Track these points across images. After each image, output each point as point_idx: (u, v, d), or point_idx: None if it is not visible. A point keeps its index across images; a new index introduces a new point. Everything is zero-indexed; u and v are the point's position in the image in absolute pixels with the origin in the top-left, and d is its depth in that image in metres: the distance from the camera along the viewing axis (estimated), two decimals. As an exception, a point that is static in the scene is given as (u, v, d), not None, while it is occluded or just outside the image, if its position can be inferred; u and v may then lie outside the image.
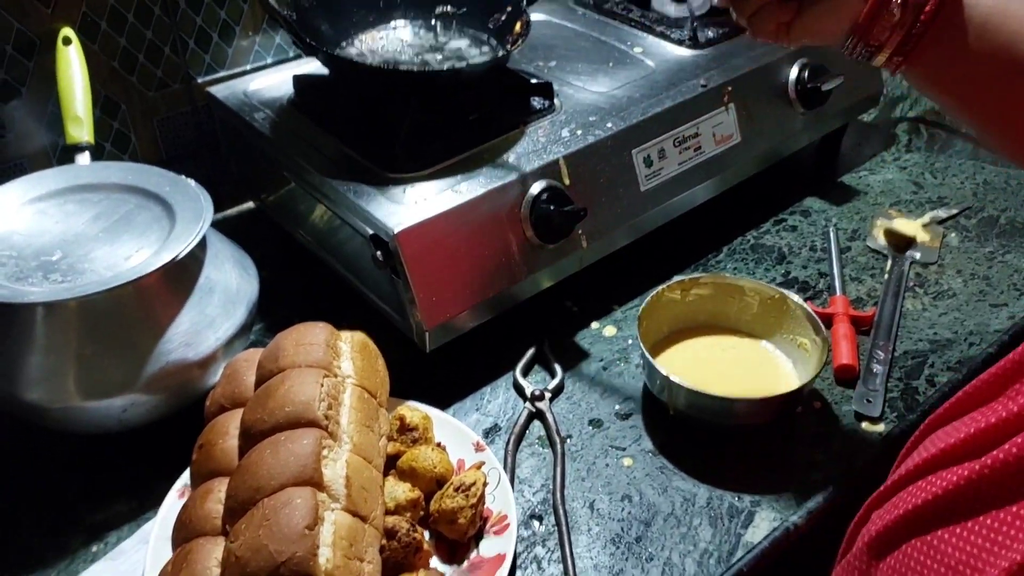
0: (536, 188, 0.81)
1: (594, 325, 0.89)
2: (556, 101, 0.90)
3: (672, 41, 1.02)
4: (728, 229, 1.01)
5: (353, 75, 0.85)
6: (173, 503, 0.67)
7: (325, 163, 0.83)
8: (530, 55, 0.99)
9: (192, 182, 0.77)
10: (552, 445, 0.75)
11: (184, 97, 0.94)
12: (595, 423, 0.78)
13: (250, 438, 0.62)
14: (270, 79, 0.96)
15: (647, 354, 0.75)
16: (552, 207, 0.80)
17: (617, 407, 0.79)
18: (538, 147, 0.84)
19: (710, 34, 1.02)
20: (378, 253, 0.75)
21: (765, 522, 0.69)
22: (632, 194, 0.89)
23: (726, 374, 0.80)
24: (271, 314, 0.88)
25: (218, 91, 0.93)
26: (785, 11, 0.63)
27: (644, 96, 0.92)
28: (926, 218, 1.02)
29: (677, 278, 0.87)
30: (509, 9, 0.91)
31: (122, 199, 0.75)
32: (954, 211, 1.03)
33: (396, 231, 0.73)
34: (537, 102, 0.90)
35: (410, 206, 0.76)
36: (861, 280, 0.94)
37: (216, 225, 0.77)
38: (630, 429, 0.77)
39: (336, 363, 0.66)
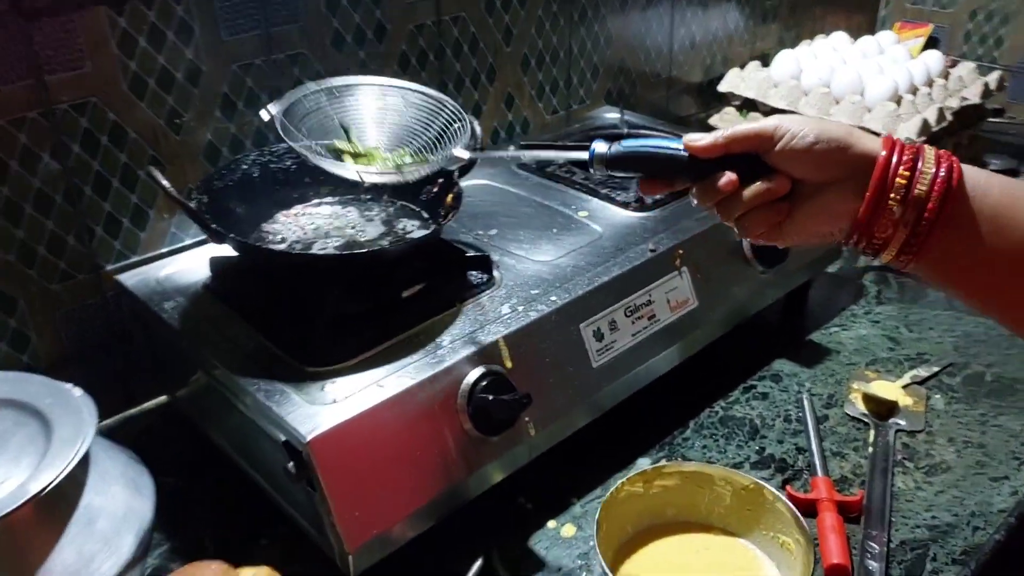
0: (473, 375, 0.72)
1: (550, 524, 0.78)
2: (496, 273, 0.83)
3: (617, 204, 0.97)
4: (694, 400, 0.93)
5: (264, 261, 0.78)
6: None
7: (238, 357, 0.74)
8: (469, 224, 0.93)
9: (77, 391, 0.67)
10: None
11: (91, 288, 0.86)
12: (552, 654, 0.66)
13: None
14: (187, 262, 0.88)
15: (608, 572, 0.64)
16: (491, 396, 0.71)
17: (578, 631, 0.68)
18: (475, 327, 0.76)
19: (657, 196, 0.97)
20: (290, 464, 0.65)
21: None
22: (583, 372, 0.81)
23: (699, 581, 0.69)
24: (178, 532, 0.77)
25: (128, 279, 0.85)
26: (776, 211, 0.59)
27: (590, 264, 0.86)
28: (906, 378, 0.94)
29: (638, 468, 0.78)
30: (441, 181, 0.85)
31: (-7, 416, 0.65)
32: (935, 369, 0.96)
33: (308, 438, 0.64)
34: (475, 276, 0.83)
35: (327, 407, 0.67)
36: (843, 455, 0.85)
37: (124, 425, 0.68)
38: (594, 659, 0.65)
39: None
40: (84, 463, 0.64)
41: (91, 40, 0.78)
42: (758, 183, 0.59)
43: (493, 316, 0.78)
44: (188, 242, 0.93)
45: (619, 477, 0.82)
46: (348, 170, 0.72)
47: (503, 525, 0.78)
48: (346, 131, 0.75)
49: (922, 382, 0.94)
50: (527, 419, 0.76)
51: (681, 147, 0.61)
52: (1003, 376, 0.95)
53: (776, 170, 0.59)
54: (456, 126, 0.74)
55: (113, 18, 0.79)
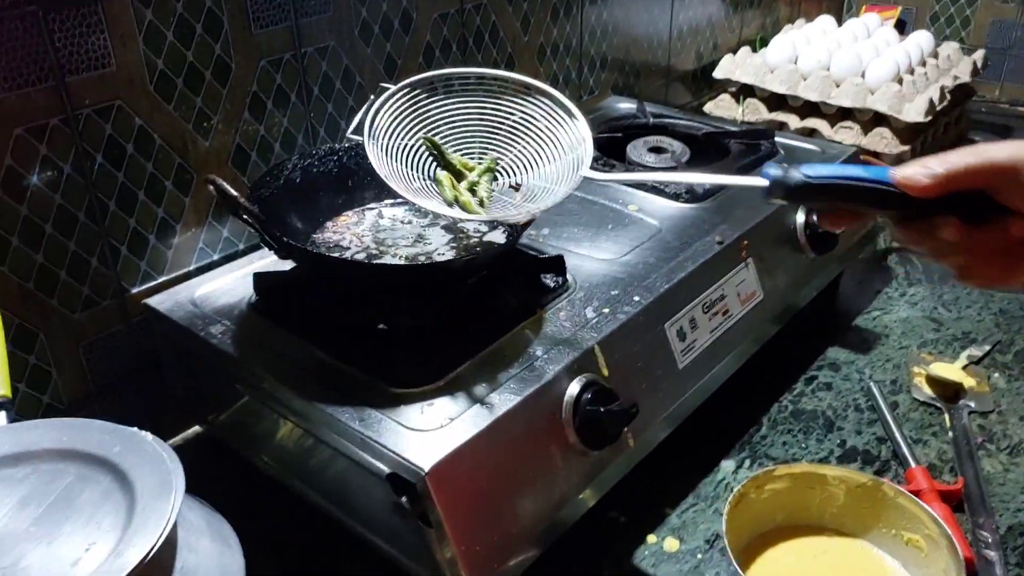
0: (575, 387, 0.67)
1: (651, 539, 0.73)
2: (568, 276, 0.78)
3: (667, 196, 0.93)
4: (760, 397, 0.90)
5: (337, 274, 0.70)
6: None
7: (307, 381, 0.66)
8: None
9: (149, 436, 0.59)
10: None
11: (116, 314, 0.77)
12: None
13: None
14: (220, 281, 0.80)
15: (752, 585, 0.60)
16: (601, 408, 0.66)
17: (713, 652, 0.64)
18: (565, 335, 0.71)
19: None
20: (403, 499, 0.59)
21: None
22: (671, 375, 0.76)
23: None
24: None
25: (160, 303, 0.76)
26: (1011, 256, 0.50)
27: (660, 260, 0.81)
28: (963, 359, 0.94)
29: (724, 471, 0.74)
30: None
31: (57, 470, 0.56)
32: (987, 348, 0.96)
33: (427, 469, 0.58)
34: (549, 279, 0.77)
35: (434, 432, 0.61)
36: (925, 441, 0.83)
37: None
38: None
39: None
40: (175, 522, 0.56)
41: (117, 33, 0.69)
42: (988, 227, 0.50)
43: (580, 321, 0.73)
44: (215, 257, 0.85)
45: (707, 483, 0.79)
46: (454, 212, 0.64)
47: (602, 544, 0.73)
48: (438, 152, 0.67)
49: (978, 361, 0.94)
50: (627, 430, 0.71)
51: (884, 178, 0.51)
52: (1051, 351, 0.95)
53: (1009, 209, 0.49)
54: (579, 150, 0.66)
55: (139, 9, 0.70)
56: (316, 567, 0.71)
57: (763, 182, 0.54)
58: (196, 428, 0.85)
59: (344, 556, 0.70)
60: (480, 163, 0.69)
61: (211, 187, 0.65)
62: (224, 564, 0.58)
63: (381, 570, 0.66)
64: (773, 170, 0.54)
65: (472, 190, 0.66)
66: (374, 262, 0.71)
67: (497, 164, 0.69)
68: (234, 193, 0.64)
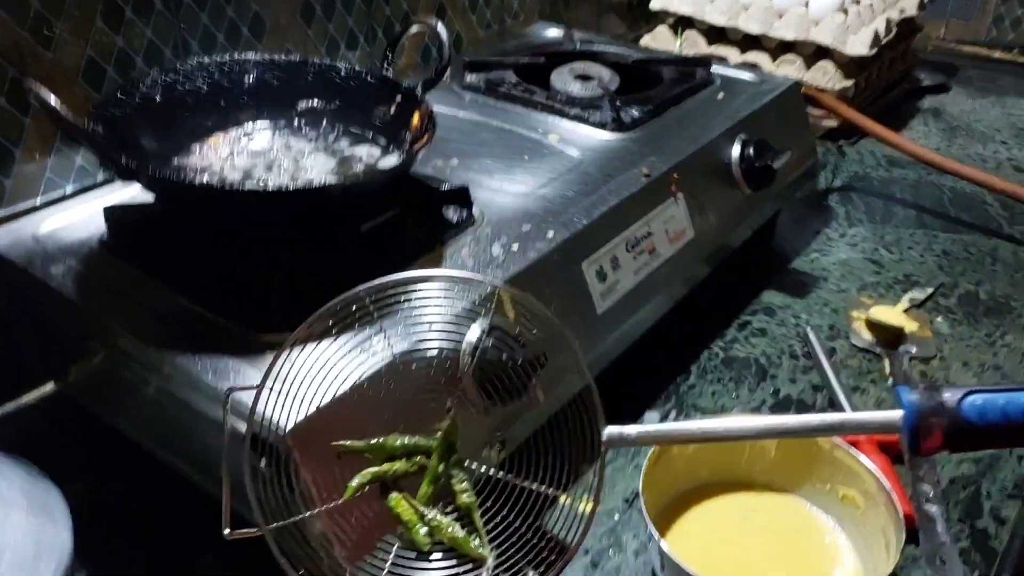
0: (474, 332, 0.59)
1: (563, 500, 0.66)
2: (475, 209, 0.69)
3: (592, 124, 0.84)
4: (689, 343, 0.83)
5: (194, 202, 0.60)
6: None
7: (161, 329, 0.57)
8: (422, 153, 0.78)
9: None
10: None
11: (-59, 253, 0.66)
12: (605, 659, 0.54)
13: None
14: (70, 216, 0.69)
15: (669, 554, 0.53)
16: (503, 357, 0.57)
17: (628, 626, 0.57)
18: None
19: (635, 113, 0.85)
20: (262, 463, 0.50)
21: None
22: (588, 320, 0.68)
23: (761, 554, 0.59)
24: (99, 557, 0.59)
25: (-3, 240, 0.65)
26: None
27: (580, 193, 0.73)
28: (904, 302, 0.88)
29: (673, 417, 0.67)
30: (399, 99, 0.70)
31: None
32: (929, 291, 0.90)
33: (287, 428, 0.49)
34: (452, 213, 0.68)
35: (300, 378, 0.52)
36: (863, 389, 0.77)
37: (2, 426, 0.50)
38: (655, 658, 0.54)
39: None
40: (-30, 491, 0.47)
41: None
42: None
43: (485, 259, 0.64)
44: (68, 190, 0.73)
45: (630, 437, 0.72)
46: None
47: (507, 509, 0.65)
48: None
49: (920, 305, 0.88)
50: (534, 381, 0.63)
51: None
52: (995, 294, 0.90)
53: None
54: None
55: None
56: (177, 539, 0.62)
57: (895, 417, 0.40)
58: (51, 386, 0.75)
59: (205, 526, 0.61)
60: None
61: (31, 96, 0.54)
62: (43, 540, 0.48)
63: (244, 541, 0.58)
64: (907, 394, 0.40)
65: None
66: (231, 187, 0.61)
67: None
68: (54, 104, 0.53)
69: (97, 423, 0.67)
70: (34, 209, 0.71)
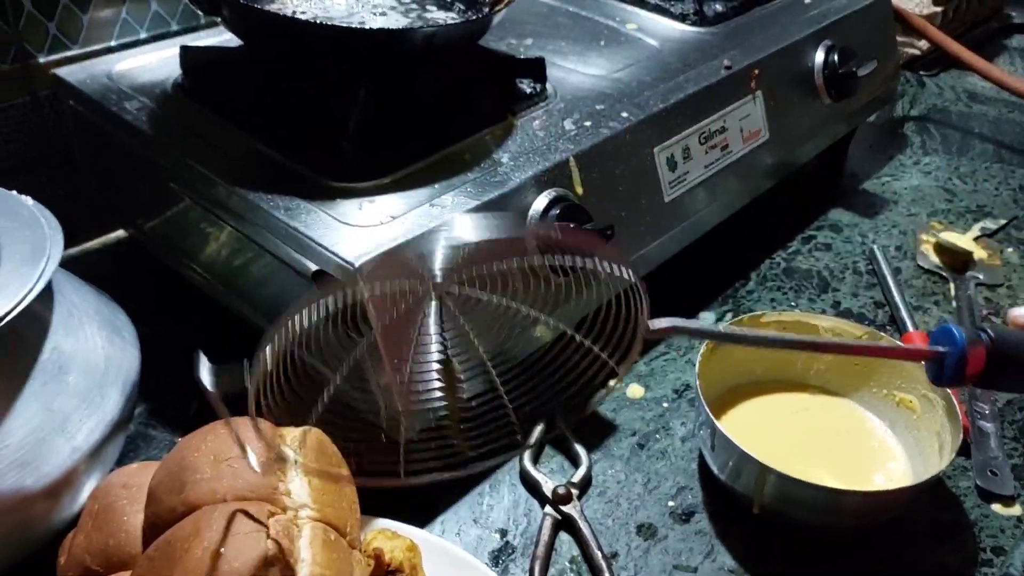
0: (543, 200, 0.58)
1: (614, 390, 0.66)
2: (548, 86, 0.68)
3: (672, 16, 0.82)
4: (751, 250, 0.81)
5: (277, 41, 0.59)
6: None
7: (235, 169, 0.57)
8: (497, 32, 0.76)
9: (29, 200, 0.50)
10: (596, 574, 0.51)
11: (18, 83, 0.66)
12: (646, 530, 0.55)
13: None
14: (145, 58, 0.69)
15: (722, 430, 0.53)
16: (569, 225, 0.57)
17: (671, 503, 0.57)
18: (536, 144, 0.61)
19: (718, 7, 0.83)
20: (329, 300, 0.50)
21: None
22: (655, 206, 0.67)
23: (809, 449, 0.59)
24: (153, 394, 0.61)
25: (70, 74, 0.65)
26: None
27: (657, 80, 0.71)
28: (975, 231, 0.85)
29: (707, 323, 0.66)
30: (480, -36, 0.68)
31: (-92, 228, 0.47)
32: (1002, 222, 0.87)
33: (358, 263, 0.49)
34: (526, 85, 0.67)
35: (374, 228, 0.52)
36: (925, 309, 0.75)
37: (68, 266, 0.51)
38: (696, 536, 0.54)
39: (283, 485, 0.40)
40: (47, 295, 0.48)
41: None
42: None
43: (556, 132, 0.63)
44: (142, 35, 0.73)
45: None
46: None
47: (557, 387, 0.65)
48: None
49: (991, 235, 0.85)
50: (596, 257, 0.62)
51: None
52: (1072, 231, 0.87)
53: None
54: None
55: None
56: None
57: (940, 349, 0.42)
58: (119, 233, 0.76)
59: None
60: None
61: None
62: (112, 356, 0.49)
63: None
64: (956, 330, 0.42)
65: None
66: (321, 23, 0.60)
67: None
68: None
69: (164, 270, 0.68)
70: (109, 50, 0.71)
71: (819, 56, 0.81)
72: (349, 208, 0.53)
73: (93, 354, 0.48)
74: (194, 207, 0.60)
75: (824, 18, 0.84)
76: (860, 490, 0.51)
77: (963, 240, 0.82)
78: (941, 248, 0.81)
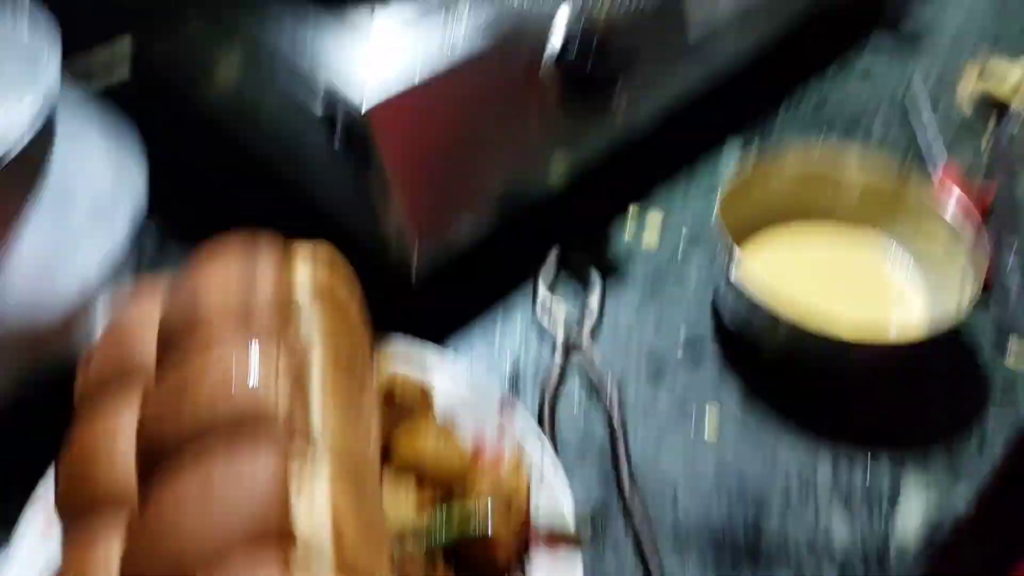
0: (561, 21, 0.54)
1: (629, 223, 0.65)
2: None
3: None
4: (782, 78, 0.77)
5: None
6: (34, 544, 0.42)
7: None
8: None
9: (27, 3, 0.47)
10: (607, 409, 0.52)
11: None
12: (656, 369, 0.55)
13: (160, 455, 0.37)
14: None
15: (734, 275, 0.52)
16: (590, 49, 0.53)
17: (682, 341, 0.57)
18: (560, -41, 0.56)
19: None
20: (335, 134, 0.48)
21: (917, 501, 0.49)
22: (676, 33, 0.63)
23: (828, 283, 0.58)
24: (167, 218, 0.60)
25: None
26: None
27: None
28: (1026, 61, 0.80)
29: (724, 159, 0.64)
30: None
31: None
32: (1057, 51, 0.81)
33: (368, 106, 0.46)
34: None
35: (382, 51, 0.49)
36: (962, 144, 0.72)
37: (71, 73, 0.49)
38: (704, 375, 0.55)
39: (295, 308, 0.40)
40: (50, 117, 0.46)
41: None
42: None
43: (581, -54, 0.57)
44: None
45: (705, 167, 0.69)
46: None
47: (571, 221, 0.64)
48: None
49: (1045, 65, 0.80)
50: (620, 94, 0.59)
51: None
52: None
53: None
54: None
55: None
56: (249, 216, 0.63)
57: None
58: (124, 45, 0.72)
59: (276, 204, 0.61)
60: None
61: None
62: (119, 177, 0.48)
63: (317, 220, 0.58)
64: None
65: None
66: None
67: None
68: None
69: (171, 89, 0.65)
70: None
71: None
72: (359, 21, 0.50)
73: (99, 178, 0.47)
74: (205, 29, 0.57)
75: None
76: (871, 342, 0.51)
77: (1014, 70, 0.77)
78: (987, 75, 0.77)
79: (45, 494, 0.43)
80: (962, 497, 0.49)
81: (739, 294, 0.52)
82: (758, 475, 0.50)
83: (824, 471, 0.50)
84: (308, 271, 0.43)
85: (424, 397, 0.47)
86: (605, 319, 0.58)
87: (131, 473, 0.38)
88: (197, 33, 0.57)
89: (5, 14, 0.46)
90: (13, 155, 0.40)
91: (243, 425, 0.36)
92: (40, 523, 0.43)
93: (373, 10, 0.50)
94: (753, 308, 0.52)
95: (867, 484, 0.50)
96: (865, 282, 0.59)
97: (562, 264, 0.60)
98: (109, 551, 0.36)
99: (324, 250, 0.44)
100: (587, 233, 0.63)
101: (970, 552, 0.52)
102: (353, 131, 0.47)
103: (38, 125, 0.41)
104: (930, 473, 0.50)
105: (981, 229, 0.60)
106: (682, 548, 0.46)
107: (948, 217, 0.56)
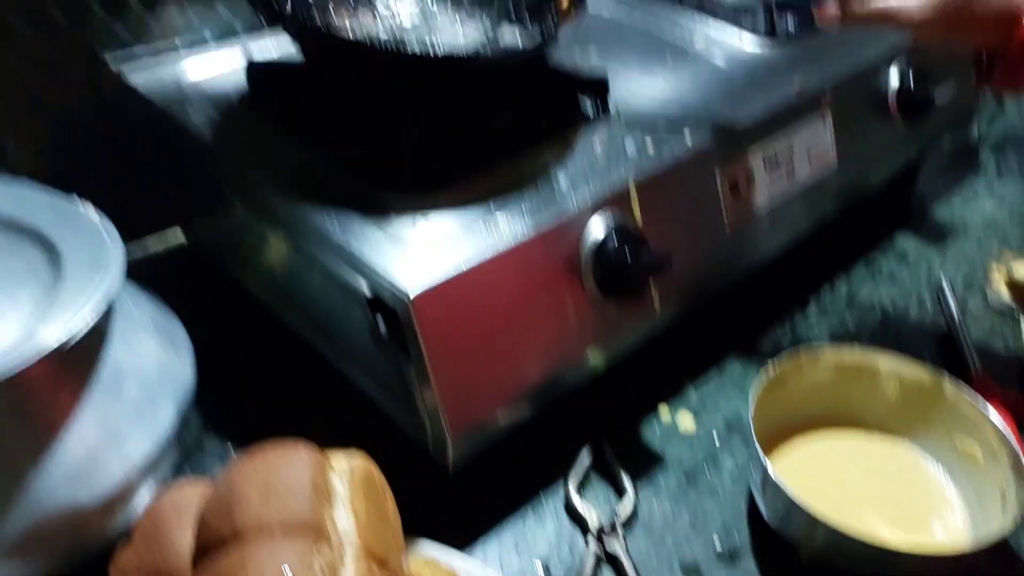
0: (600, 225, 0.57)
1: (664, 416, 0.65)
2: (610, 104, 0.67)
3: (743, 27, 0.79)
4: (812, 277, 0.79)
5: (338, 59, 0.59)
6: None
7: (293, 181, 0.57)
8: (561, 47, 0.75)
9: (91, 210, 0.50)
10: (639, 613, 0.51)
11: (86, 86, 0.67)
12: (691, 572, 0.54)
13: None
14: (213, 65, 0.69)
15: (773, 474, 0.51)
16: (626, 251, 0.56)
17: (717, 543, 0.55)
18: (596, 166, 0.60)
19: (791, 23, 0.80)
20: (380, 324, 0.50)
21: None
22: (716, 235, 0.66)
23: (863, 494, 0.57)
24: (208, 402, 0.61)
25: (140, 79, 0.66)
26: None
27: (723, 101, 0.69)
28: (1052, 264, 0.82)
29: (758, 351, 0.64)
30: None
31: (-23, 237, 0.48)
32: (1081, 256, 0.83)
33: (412, 295, 0.48)
34: (588, 103, 0.66)
35: (425, 250, 0.51)
36: (994, 348, 0.72)
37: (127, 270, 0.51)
38: (742, 578, 0.53)
39: (329, 515, 0.40)
40: (108, 309, 0.48)
41: None
42: None
43: (617, 154, 0.61)
44: (208, 39, 0.74)
45: (736, 363, 0.69)
46: None
47: (606, 415, 0.64)
48: None
49: (1069, 270, 0.81)
50: (654, 289, 0.61)
51: None
52: None
53: None
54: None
55: None
56: (290, 399, 0.64)
57: None
58: (177, 238, 0.77)
59: (321, 386, 0.63)
60: None
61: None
62: (167, 368, 0.50)
63: (356, 401, 0.59)
64: None
65: None
66: (381, 45, 0.59)
67: None
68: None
69: (220, 277, 0.69)
70: (173, 51, 0.71)
71: (894, 77, 0.78)
72: (402, 225, 0.53)
73: (148, 366, 0.49)
74: (250, 215, 0.60)
75: (901, 39, 0.81)
76: (916, 552, 0.49)
77: (1038, 272, 0.79)
78: (1013, 283, 0.78)
79: None
80: None
81: (778, 492, 0.51)
82: None
83: None
84: (346, 464, 0.44)
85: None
86: (638, 517, 0.56)
87: None
88: (249, 229, 0.61)
89: (73, 214, 0.49)
90: (73, 343, 0.42)
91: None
92: None
93: (415, 222, 0.52)
94: (793, 507, 0.51)
95: None
96: (901, 485, 0.58)
97: (594, 463, 0.60)
98: None
99: (360, 457, 0.45)
100: (620, 428, 0.63)
101: None
102: (397, 316, 0.49)
103: (97, 317, 0.43)
104: None
105: (1018, 438, 0.59)
106: None
107: (986, 428, 0.56)
